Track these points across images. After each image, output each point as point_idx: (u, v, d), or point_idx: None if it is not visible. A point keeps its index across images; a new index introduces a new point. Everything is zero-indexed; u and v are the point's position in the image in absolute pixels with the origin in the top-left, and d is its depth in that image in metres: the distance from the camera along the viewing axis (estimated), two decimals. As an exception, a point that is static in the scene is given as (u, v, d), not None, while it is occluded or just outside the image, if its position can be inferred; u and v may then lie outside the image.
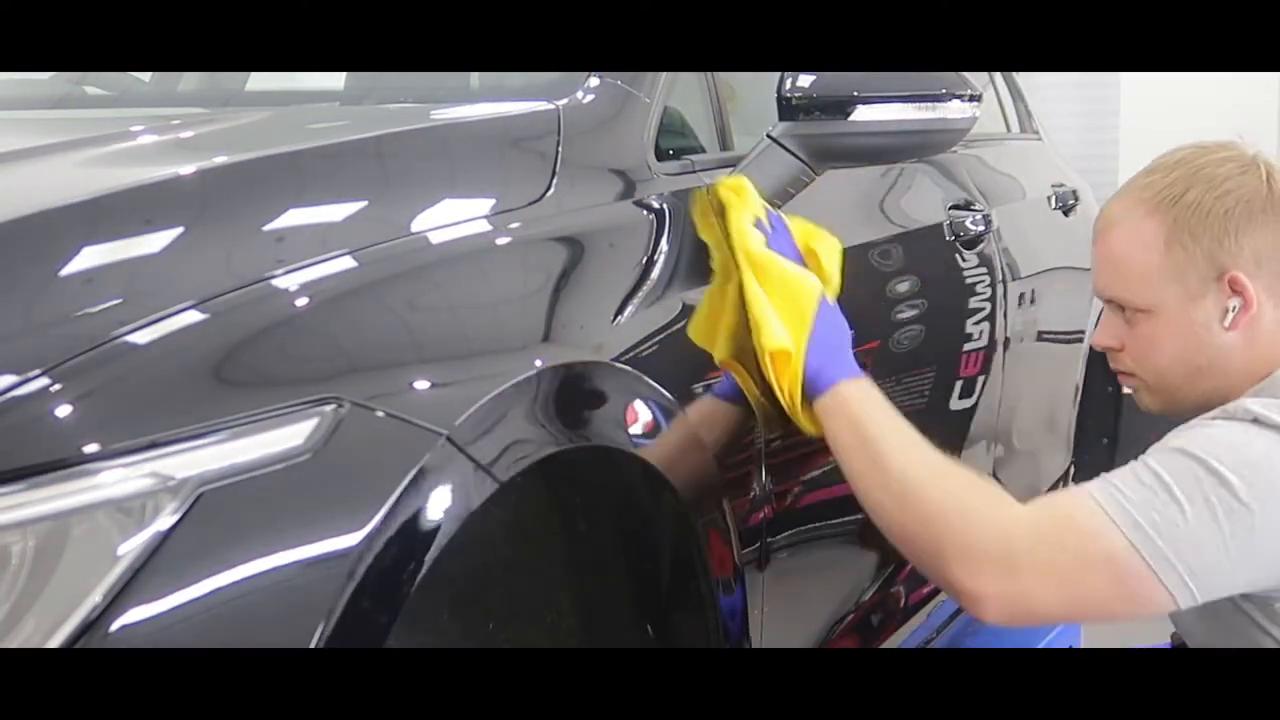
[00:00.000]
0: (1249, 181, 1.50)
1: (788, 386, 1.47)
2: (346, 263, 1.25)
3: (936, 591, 2.44)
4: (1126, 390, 1.66)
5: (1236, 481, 1.35)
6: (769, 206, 1.56)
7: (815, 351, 1.47)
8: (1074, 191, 3.35)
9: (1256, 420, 1.40)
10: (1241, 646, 1.49)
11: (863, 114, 1.70)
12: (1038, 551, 1.36)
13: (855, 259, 2.07)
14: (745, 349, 1.51)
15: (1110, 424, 3.70)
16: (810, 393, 1.47)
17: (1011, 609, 1.39)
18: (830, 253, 1.58)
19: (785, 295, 1.48)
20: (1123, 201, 1.55)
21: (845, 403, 1.46)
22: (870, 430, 1.45)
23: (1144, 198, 1.53)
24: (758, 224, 1.51)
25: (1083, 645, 3.23)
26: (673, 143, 1.80)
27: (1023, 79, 3.55)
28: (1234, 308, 1.49)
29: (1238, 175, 1.51)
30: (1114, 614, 1.41)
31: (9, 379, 1.00)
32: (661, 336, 1.54)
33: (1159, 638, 1.89)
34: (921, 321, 2.21)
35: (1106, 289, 1.57)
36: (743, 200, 1.52)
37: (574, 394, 1.36)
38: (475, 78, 2.02)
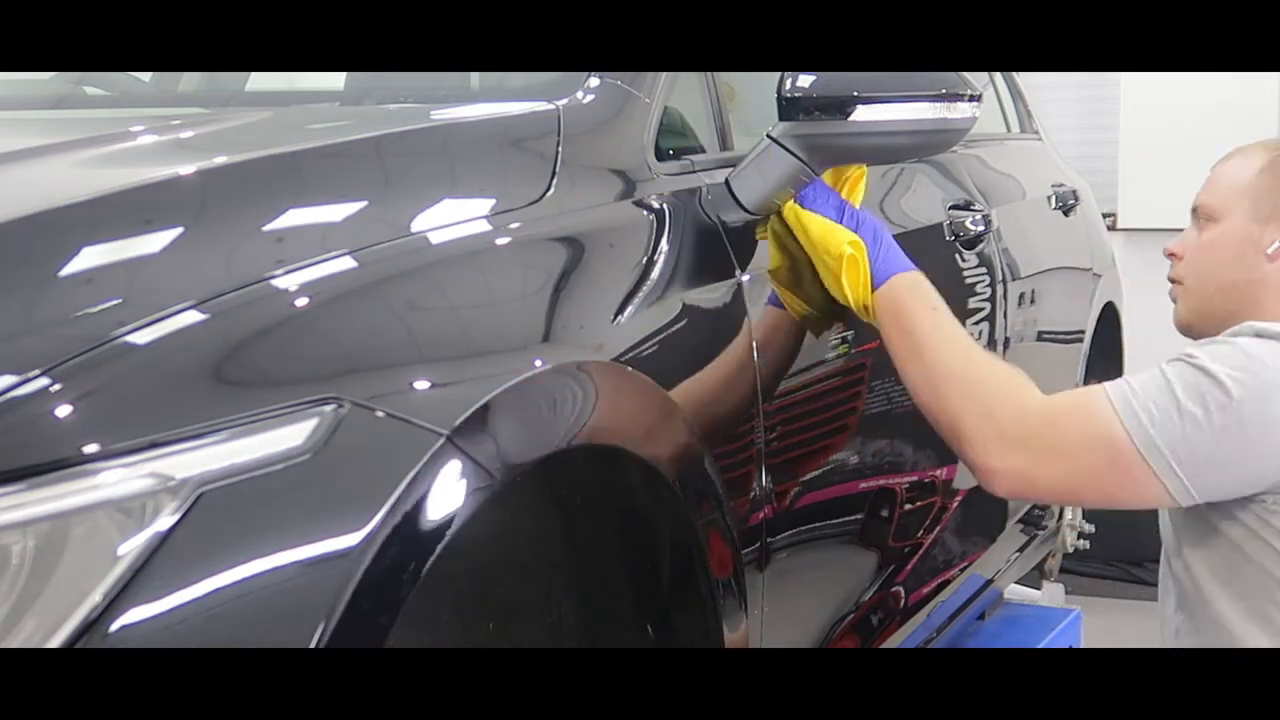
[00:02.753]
0: None
1: (862, 282, 1.70)
2: (346, 263, 1.25)
3: (936, 591, 2.44)
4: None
5: (1228, 381, 1.55)
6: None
7: (873, 250, 1.70)
8: (1074, 191, 3.35)
9: (1259, 334, 1.62)
10: (1225, 557, 1.68)
11: (863, 114, 1.70)
12: (1044, 431, 1.58)
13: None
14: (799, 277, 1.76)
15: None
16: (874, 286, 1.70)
17: (1018, 483, 1.61)
18: (857, 176, 1.80)
19: (829, 239, 1.70)
20: (1250, 144, 1.86)
21: (896, 294, 1.68)
22: (913, 322, 1.67)
23: (1262, 143, 1.84)
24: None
25: (1083, 645, 3.24)
26: (673, 143, 1.80)
27: (1023, 79, 3.55)
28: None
29: None
30: (1112, 497, 1.63)
31: (9, 379, 1.00)
32: (661, 336, 1.54)
33: (1160, 638, 1.89)
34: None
35: (1200, 195, 1.84)
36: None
37: (574, 394, 1.36)
38: (475, 78, 2.01)
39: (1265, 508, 1.63)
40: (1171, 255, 1.86)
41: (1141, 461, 1.56)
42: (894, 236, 2.23)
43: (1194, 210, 1.85)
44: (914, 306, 1.68)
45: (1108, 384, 1.61)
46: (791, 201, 1.73)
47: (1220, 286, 1.77)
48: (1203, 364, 1.58)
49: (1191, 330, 1.82)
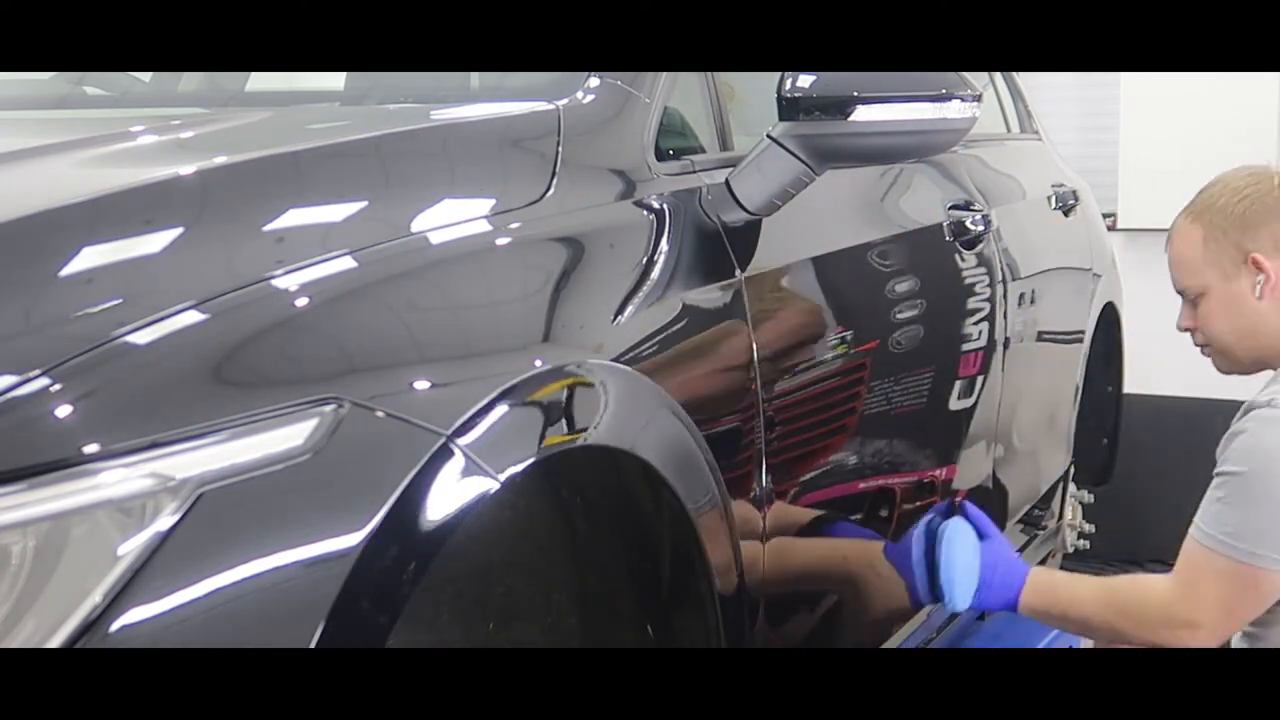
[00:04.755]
0: (1262, 186, 1.96)
1: None
2: (347, 263, 1.25)
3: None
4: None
5: (1248, 470, 1.85)
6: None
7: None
8: (1074, 191, 3.35)
9: (1249, 412, 1.90)
10: None
11: (863, 114, 1.70)
12: (1181, 602, 1.88)
13: (855, 259, 2.08)
14: None
15: (1110, 424, 3.70)
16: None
17: (1209, 643, 1.87)
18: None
19: None
20: (1179, 217, 2.02)
21: (1033, 599, 2.00)
22: (1059, 610, 2.02)
23: (1190, 211, 2.00)
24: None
25: (1082, 645, 3.23)
26: (673, 143, 1.79)
27: (1023, 79, 3.55)
28: (1260, 281, 1.93)
29: (1253, 184, 1.97)
30: (1258, 603, 1.86)
31: (9, 379, 1.00)
32: (661, 336, 1.54)
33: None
34: (921, 322, 2.21)
35: (1176, 282, 2.03)
36: None
37: (574, 394, 1.36)
38: (475, 78, 2.01)
39: None
40: (1187, 330, 2.07)
41: (1250, 566, 1.82)
42: (894, 236, 2.25)
43: (1180, 293, 2.05)
44: (1049, 605, 2.01)
45: (1190, 532, 1.89)
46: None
47: (1238, 338, 1.98)
48: (1228, 471, 1.87)
49: (1234, 373, 2.05)
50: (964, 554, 2.01)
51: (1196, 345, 2.08)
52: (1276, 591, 1.85)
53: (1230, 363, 2.04)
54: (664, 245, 1.62)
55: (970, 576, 2.00)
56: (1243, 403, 1.92)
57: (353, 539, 1.07)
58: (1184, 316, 2.06)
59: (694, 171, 1.78)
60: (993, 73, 3.23)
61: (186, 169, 1.33)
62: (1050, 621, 2.06)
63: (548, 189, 1.54)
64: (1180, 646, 1.86)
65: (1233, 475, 1.86)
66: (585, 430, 1.36)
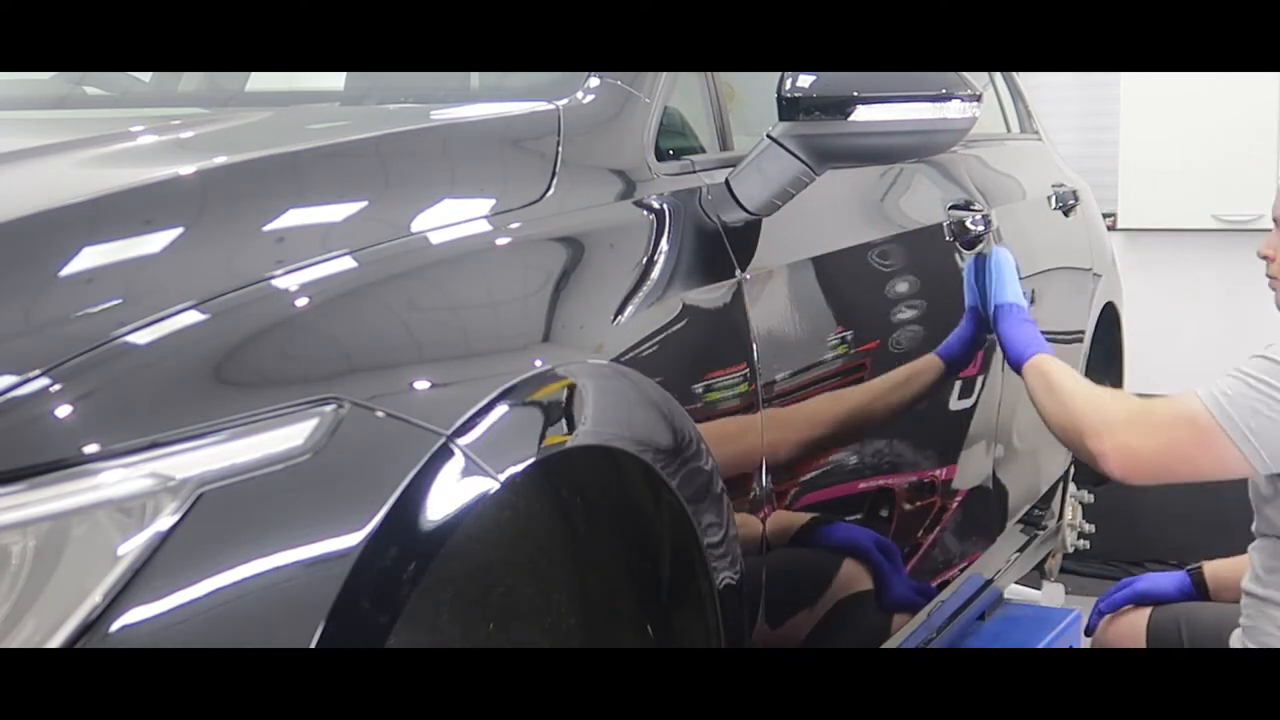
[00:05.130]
0: None
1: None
2: (347, 263, 1.25)
3: (936, 591, 2.44)
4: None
5: None
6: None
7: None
8: (1074, 191, 3.35)
9: None
10: None
11: (863, 114, 1.70)
12: (1142, 414, 2.00)
13: (855, 259, 2.08)
14: None
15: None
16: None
17: (1125, 458, 1.97)
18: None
19: None
20: None
21: (1033, 370, 2.14)
22: (1050, 380, 2.12)
23: None
24: None
25: (1082, 645, 3.23)
26: (673, 143, 1.79)
27: (1023, 79, 3.55)
28: None
29: None
30: (1201, 467, 1.97)
31: (9, 379, 1.00)
32: (661, 336, 1.54)
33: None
34: (921, 321, 2.21)
35: (1276, 209, 2.17)
36: None
37: (574, 394, 1.36)
38: (475, 78, 2.01)
39: None
40: (1265, 257, 2.18)
41: (1220, 432, 1.90)
42: (894, 236, 2.25)
43: (1275, 220, 2.17)
44: (1049, 371, 2.13)
45: (1198, 386, 1.96)
46: None
47: None
48: (1274, 355, 1.92)
49: None
50: (1009, 267, 2.27)
51: (1269, 276, 2.19)
52: (1217, 470, 1.95)
53: None
54: (664, 245, 1.62)
55: (1016, 285, 2.24)
56: None
57: (353, 539, 1.07)
58: (1267, 242, 2.18)
59: (694, 171, 1.78)
60: (993, 73, 3.23)
61: (186, 169, 1.33)
62: (1036, 389, 2.13)
63: (548, 189, 1.54)
64: (1096, 452, 1.98)
65: (1270, 361, 1.91)
66: (585, 430, 1.36)
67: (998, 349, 2.57)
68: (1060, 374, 2.13)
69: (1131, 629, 2.47)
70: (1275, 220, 2.19)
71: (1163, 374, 3.93)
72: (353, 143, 1.52)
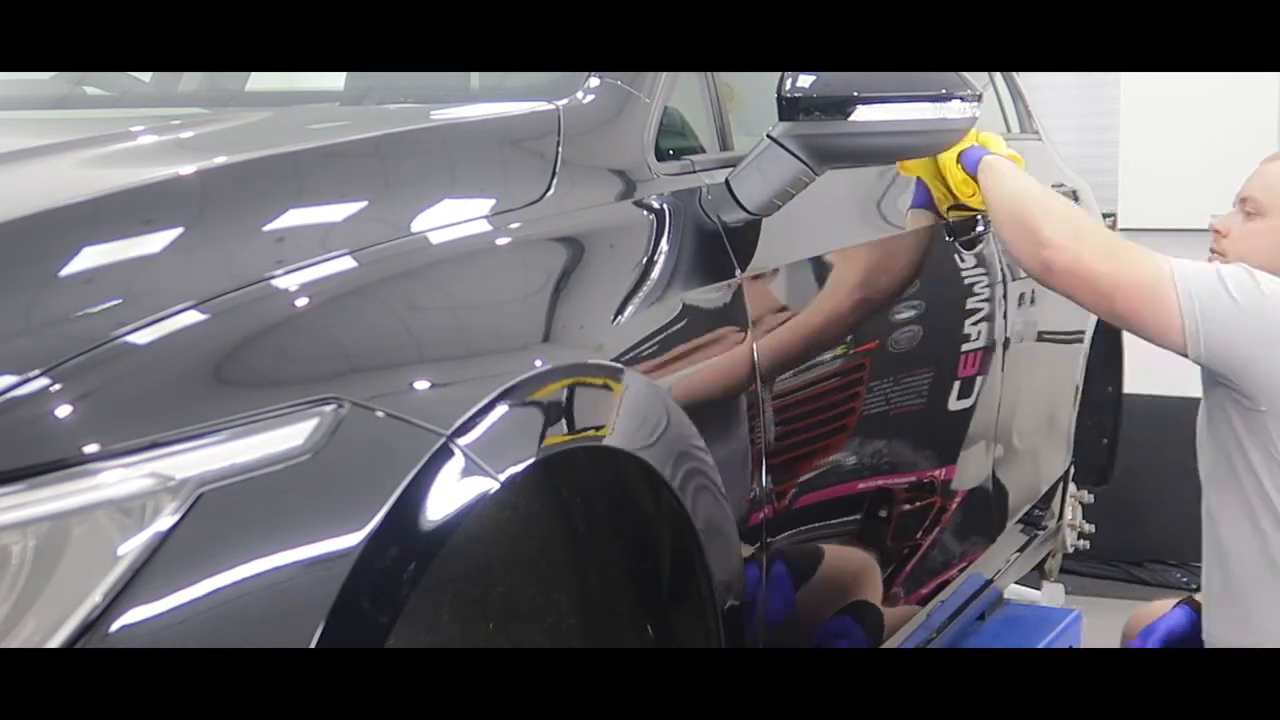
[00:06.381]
0: None
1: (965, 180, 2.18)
2: (346, 263, 1.25)
3: (936, 591, 2.44)
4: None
5: (1266, 285, 1.97)
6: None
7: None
8: (1074, 192, 3.35)
9: None
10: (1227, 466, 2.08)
11: (863, 114, 1.70)
12: (1111, 238, 2.05)
13: (855, 259, 2.08)
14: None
15: (1110, 424, 3.70)
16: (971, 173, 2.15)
17: (1072, 264, 1.98)
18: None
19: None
20: None
21: (988, 166, 2.12)
22: (1003, 177, 2.10)
23: None
24: None
25: (1082, 645, 3.24)
26: (673, 143, 1.79)
27: (1023, 79, 3.55)
28: None
29: None
30: (1138, 314, 1.99)
31: (9, 379, 1.00)
32: (661, 336, 1.54)
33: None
34: (921, 322, 2.21)
35: (1248, 187, 2.17)
36: None
37: (574, 394, 1.36)
38: (475, 78, 2.02)
39: (1259, 419, 2.01)
40: (1215, 231, 2.17)
41: (1174, 294, 1.94)
42: (894, 236, 2.25)
43: (1241, 200, 2.15)
44: (1005, 167, 2.11)
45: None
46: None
47: (1263, 267, 2.03)
48: (1252, 271, 1.99)
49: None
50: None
51: (1212, 250, 2.17)
52: (1149, 328, 1.98)
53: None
54: (664, 245, 1.62)
55: None
56: None
57: (353, 539, 1.07)
58: (1225, 220, 2.17)
59: (694, 171, 1.78)
60: (993, 73, 3.23)
61: (186, 169, 1.33)
62: (989, 182, 2.10)
63: (547, 189, 1.54)
64: (1046, 247, 1.97)
65: (1249, 275, 1.95)
66: (585, 430, 1.36)
67: (997, 349, 2.57)
68: (1018, 171, 2.12)
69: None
70: (1240, 199, 2.18)
71: (1163, 374, 3.93)
72: (353, 143, 1.52)
